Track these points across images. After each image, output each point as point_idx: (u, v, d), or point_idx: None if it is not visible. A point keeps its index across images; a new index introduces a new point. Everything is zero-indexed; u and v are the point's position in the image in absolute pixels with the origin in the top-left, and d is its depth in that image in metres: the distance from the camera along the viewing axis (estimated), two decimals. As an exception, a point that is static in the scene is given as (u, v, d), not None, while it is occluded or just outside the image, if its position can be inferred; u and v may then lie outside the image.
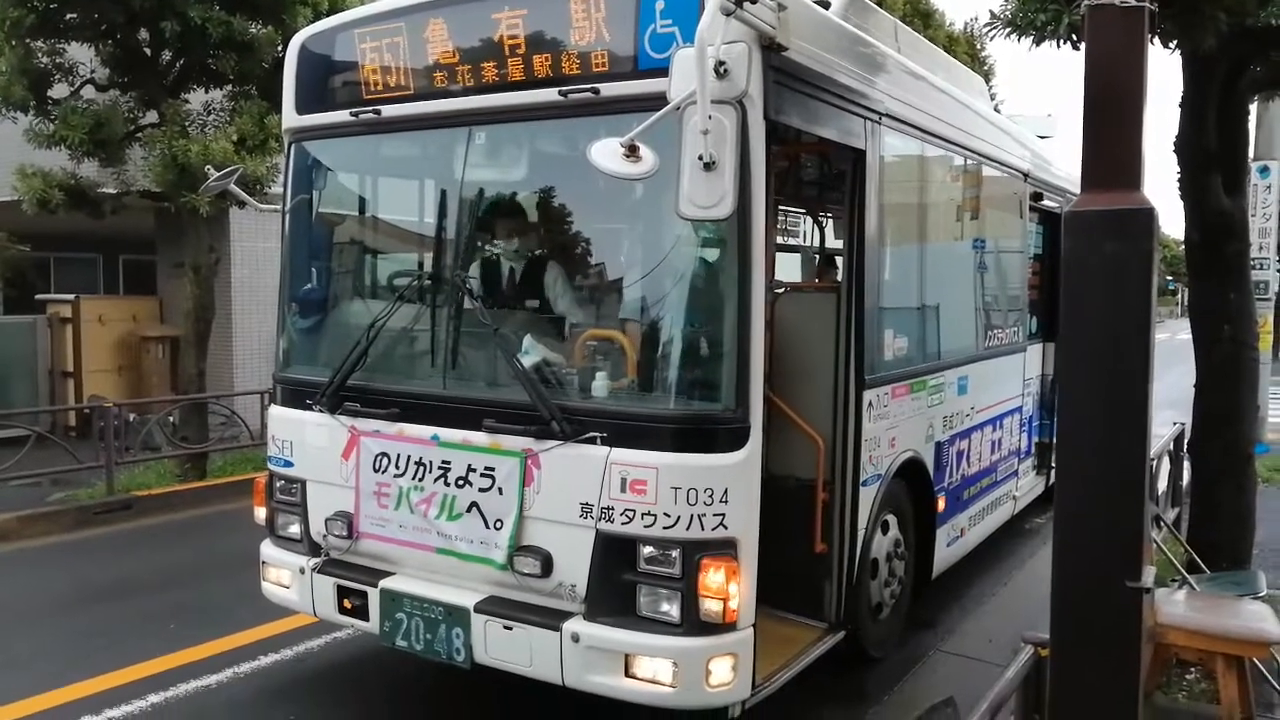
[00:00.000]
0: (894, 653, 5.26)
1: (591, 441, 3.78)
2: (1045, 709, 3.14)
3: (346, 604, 4.44)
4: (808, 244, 8.95)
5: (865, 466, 4.71)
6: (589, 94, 3.84)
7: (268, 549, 4.82)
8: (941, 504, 5.72)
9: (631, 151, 3.28)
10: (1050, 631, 3.04)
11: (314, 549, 4.60)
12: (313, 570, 4.54)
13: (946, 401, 5.76)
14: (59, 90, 9.55)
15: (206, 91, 10.06)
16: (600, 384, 3.93)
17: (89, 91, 9.74)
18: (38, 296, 13.70)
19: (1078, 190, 2.99)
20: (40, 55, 9.33)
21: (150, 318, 13.63)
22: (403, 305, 4.42)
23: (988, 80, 22.38)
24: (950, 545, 5.99)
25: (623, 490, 3.73)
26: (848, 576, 4.68)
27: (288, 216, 4.94)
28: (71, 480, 9.24)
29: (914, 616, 5.65)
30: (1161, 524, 5.93)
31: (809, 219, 8.47)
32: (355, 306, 4.94)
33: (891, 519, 5.15)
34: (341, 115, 4.54)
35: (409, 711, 4.71)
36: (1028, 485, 7.72)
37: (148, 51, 9.53)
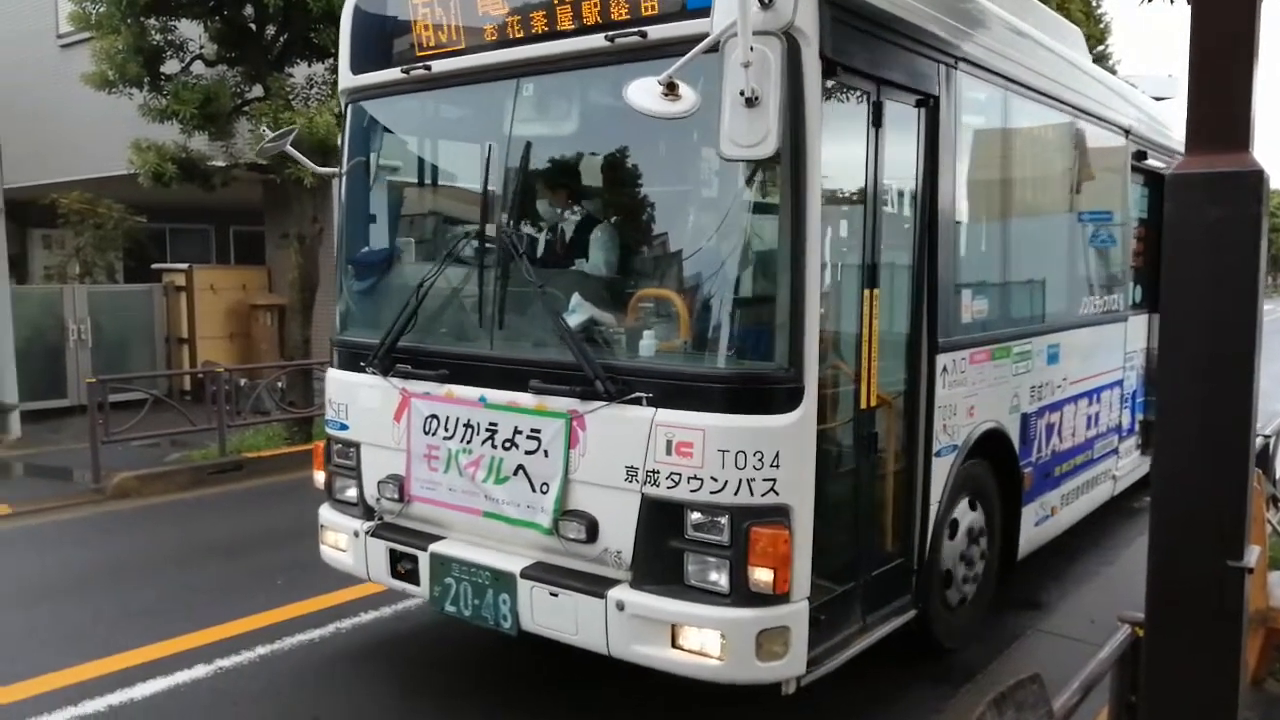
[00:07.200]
0: (968, 646, 4.87)
1: (637, 402, 3.62)
2: (1141, 691, 2.96)
3: (399, 569, 4.39)
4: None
5: (939, 436, 4.42)
6: (636, 38, 3.66)
7: (326, 512, 4.81)
8: (1028, 480, 5.36)
9: (670, 90, 3.10)
10: (1145, 611, 2.90)
11: (368, 512, 4.57)
12: (366, 534, 4.50)
13: (1035, 370, 5.39)
14: (170, 66, 9.94)
15: (309, 65, 10.31)
16: (646, 342, 3.76)
17: (198, 67, 10.11)
18: (154, 266, 14.36)
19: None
20: (153, 33, 9.69)
21: (259, 286, 14.10)
22: (450, 264, 4.33)
23: (1103, 39, 21.31)
24: (1039, 525, 5.62)
25: (668, 453, 3.55)
26: (918, 552, 4.41)
27: (344, 178, 4.90)
28: (187, 442, 9.69)
29: (1012, 595, 5.37)
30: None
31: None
32: (406, 267, 4.87)
33: (971, 495, 4.84)
34: (394, 73, 4.47)
35: (501, 670, 4.69)
36: (1129, 465, 7.22)
37: (253, 27, 9.81)
